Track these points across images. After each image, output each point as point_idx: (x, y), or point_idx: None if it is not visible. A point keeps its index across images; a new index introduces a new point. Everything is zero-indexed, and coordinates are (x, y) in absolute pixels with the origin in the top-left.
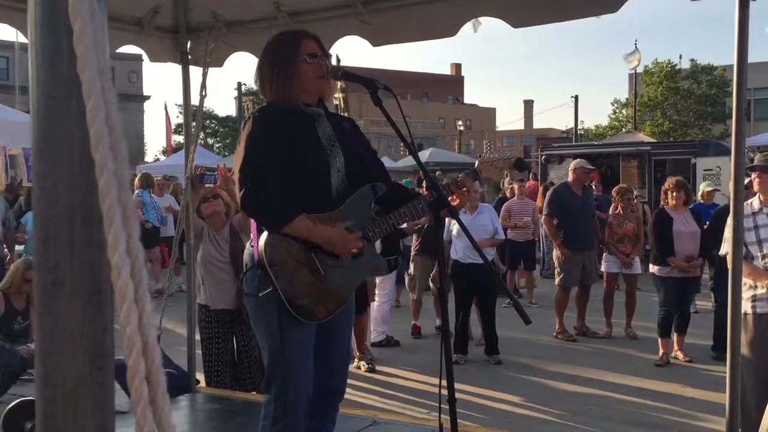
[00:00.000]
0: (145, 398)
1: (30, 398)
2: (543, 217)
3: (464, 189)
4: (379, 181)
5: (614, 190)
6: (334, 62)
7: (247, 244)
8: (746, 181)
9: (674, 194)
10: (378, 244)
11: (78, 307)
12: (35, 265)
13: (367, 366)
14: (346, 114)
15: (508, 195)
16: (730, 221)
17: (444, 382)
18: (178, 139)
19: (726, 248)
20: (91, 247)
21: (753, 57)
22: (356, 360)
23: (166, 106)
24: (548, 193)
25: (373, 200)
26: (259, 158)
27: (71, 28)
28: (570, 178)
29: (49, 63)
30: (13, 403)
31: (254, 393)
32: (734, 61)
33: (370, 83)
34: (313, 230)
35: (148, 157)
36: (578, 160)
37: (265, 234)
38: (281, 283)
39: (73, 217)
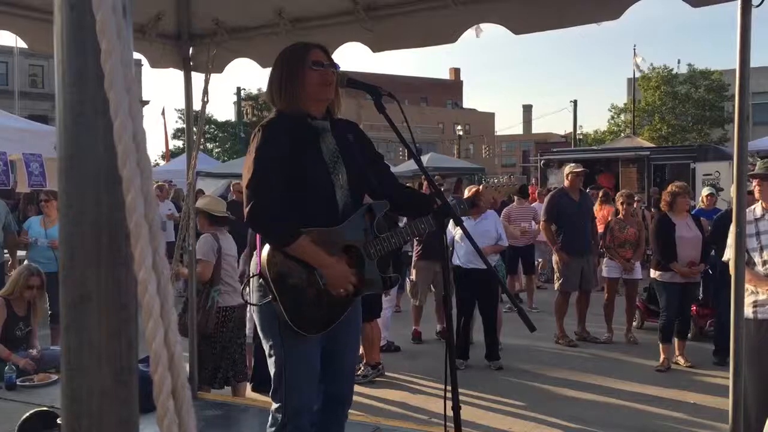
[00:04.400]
0: (171, 413)
1: (44, 408)
2: (541, 223)
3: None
4: (385, 186)
5: (617, 195)
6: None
7: (254, 254)
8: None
9: (681, 199)
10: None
11: (104, 323)
12: (61, 280)
13: (368, 376)
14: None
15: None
16: (733, 228)
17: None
18: (178, 144)
19: (729, 254)
20: (117, 263)
21: (751, 61)
22: (362, 366)
23: (163, 112)
24: (546, 200)
25: (376, 217)
26: (265, 176)
27: (99, 46)
28: (566, 183)
29: (77, 81)
30: (28, 413)
31: (253, 398)
32: (737, 66)
33: (374, 90)
34: (314, 255)
35: None
36: (570, 165)
37: (267, 245)
38: (281, 294)
39: (100, 234)
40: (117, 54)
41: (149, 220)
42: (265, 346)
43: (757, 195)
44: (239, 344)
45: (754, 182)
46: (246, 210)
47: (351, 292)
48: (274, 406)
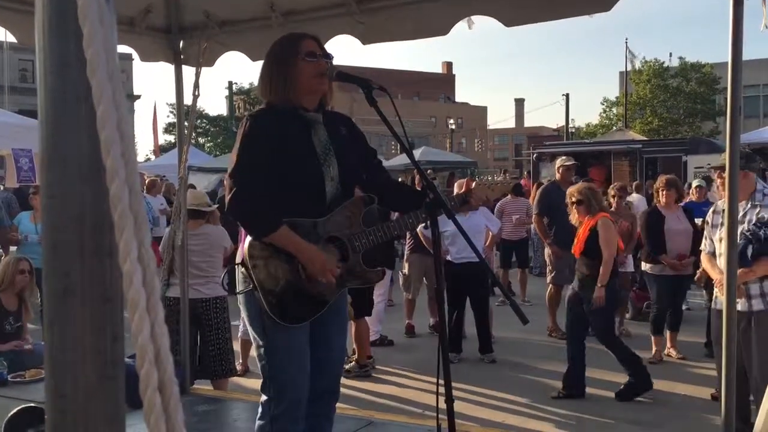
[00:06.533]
0: (158, 409)
1: (32, 404)
2: (533, 216)
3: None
4: (377, 181)
5: (611, 187)
6: None
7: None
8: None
9: (664, 192)
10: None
11: (88, 316)
12: (45, 273)
13: (357, 371)
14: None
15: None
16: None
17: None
18: (170, 138)
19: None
20: (102, 255)
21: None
22: (353, 362)
23: (155, 107)
24: (537, 193)
25: (363, 210)
26: (249, 165)
27: (80, 31)
28: (557, 176)
29: (58, 68)
30: (16, 409)
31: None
32: (729, 58)
33: (365, 84)
34: (294, 243)
35: (139, 157)
36: (561, 158)
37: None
38: (261, 283)
39: (83, 225)
40: (99, 39)
41: (134, 211)
42: (252, 337)
43: (719, 187)
44: (208, 339)
45: (715, 175)
46: (227, 199)
47: (332, 281)
48: (264, 398)
